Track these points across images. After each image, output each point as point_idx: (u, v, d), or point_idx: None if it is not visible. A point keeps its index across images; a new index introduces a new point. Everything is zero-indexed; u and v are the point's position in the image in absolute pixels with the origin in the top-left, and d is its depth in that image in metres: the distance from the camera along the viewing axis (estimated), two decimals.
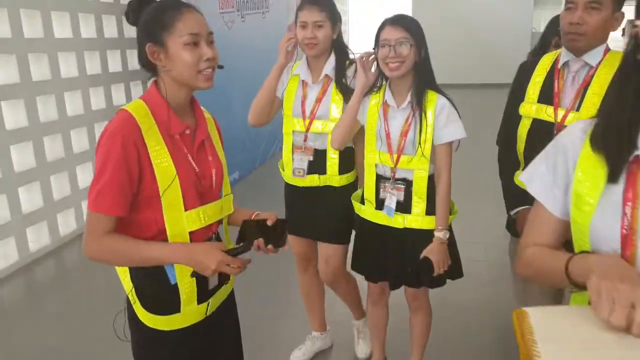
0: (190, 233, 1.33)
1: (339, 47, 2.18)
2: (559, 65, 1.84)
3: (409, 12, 9.65)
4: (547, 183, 1.08)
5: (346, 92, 2.11)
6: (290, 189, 2.34)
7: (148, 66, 1.32)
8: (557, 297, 1.96)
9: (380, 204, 2.01)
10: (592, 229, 0.96)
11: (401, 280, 2.10)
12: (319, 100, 2.16)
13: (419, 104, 1.91)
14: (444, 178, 1.95)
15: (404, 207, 1.98)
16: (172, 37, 1.25)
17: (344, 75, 2.14)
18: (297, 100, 2.20)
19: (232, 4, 4.99)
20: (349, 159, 2.23)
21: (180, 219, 1.31)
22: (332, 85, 2.14)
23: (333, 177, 2.21)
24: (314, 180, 2.23)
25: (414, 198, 1.97)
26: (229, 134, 2.91)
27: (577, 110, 1.76)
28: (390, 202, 1.99)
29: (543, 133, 1.84)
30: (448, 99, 1.94)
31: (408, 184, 1.97)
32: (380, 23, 1.93)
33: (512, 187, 1.99)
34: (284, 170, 2.34)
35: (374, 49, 1.94)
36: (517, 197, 1.96)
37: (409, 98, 1.93)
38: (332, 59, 2.15)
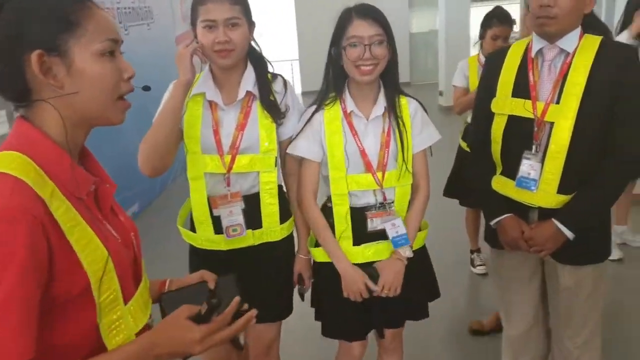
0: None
1: (256, 54, 1.69)
2: (532, 54, 1.65)
3: (291, 12, 9.49)
4: None
5: (276, 113, 1.66)
6: (202, 257, 1.72)
7: (21, 90, 0.84)
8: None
9: (364, 237, 1.68)
10: None
11: (386, 321, 1.77)
12: (240, 127, 1.63)
13: (394, 111, 1.64)
14: (423, 189, 1.73)
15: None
16: (79, 42, 0.83)
17: (270, 90, 1.67)
18: (205, 130, 1.62)
19: (113, 14, 4.38)
20: (286, 201, 1.78)
21: (125, 318, 0.86)
22: (257, 105, 1.65)
23: (272, 230, 1.70)
24: (246, 239, 1.68)
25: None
26: (123, 162, 2.36)
27: (557, 102, 1.58)
28: (397, 230, 1.67)
29: (522, 131, 1.65)
30: (416, 99, 1.71)
31: (393, 204, 1.69)
32: (341, 14, 1.60)
33: (490, 194, 1.76)
34: (193, 231, 1.71)
35: (332, 48, 1.61)
36: (498, 205, 1.74)
37: (381, 105, 1.64)
38: (250, 70, 1.65)
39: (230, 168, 1.63)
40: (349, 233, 1.66)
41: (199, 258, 1.74)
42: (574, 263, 1.70)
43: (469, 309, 2.89)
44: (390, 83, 1.66)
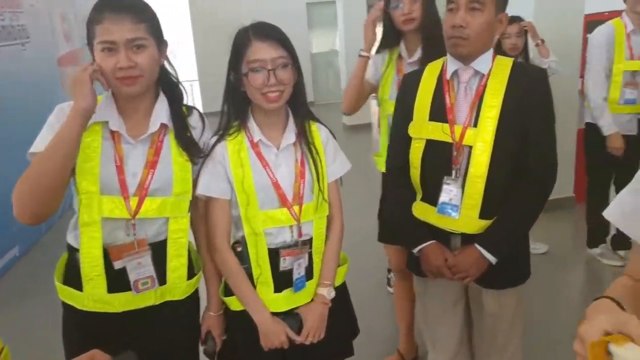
0: None
1: (168, 80, 1.45)
2: (447, 76, 1.59)
3: (188, 30, 9.16)
4: None
5: (194, 151, 1.44)
6: (83, 323, 1.41)
7: None
8: None
9: (283, 282, 1.51)
10: None
11: None
12: (150, 164, 1.38)
13: (305, 138, 1.52)
14: (337, 222, 1.62)
15: (308, 273, 1.56)
16: None
17: (186, 124, 1.45)
18: (106, 166, 1.35)
19: None
20: (193, 252, 1.57)
21: None
22: (169, 140, 1.42)
23: (177, 287, 1.46)
24: (146, 298, 1.42)
25: (315, 256, 1.56)
26: None
27: (475, 125, 1.53)
28: (300, 271, 1.52)
29: (441, 155, 1.59)
30: (325, 126, 1.60)
31: (310, 243, 1.55)
32: (236, 35, 1.43)
33: (412, 221, 1.68)
34: (79, 290, 1.38)
35: (230, 73, 1.45)
36: (420, 232, 1.66)
37: (291, 132, 1.50)
38: (162, 98, 1.43)
39: (136, 212, 1.37)
40: (268, 278, 1.49)
41: (79, 324, 1.43)
42: (498, 287, 1.66)
43: (392, 337, 2.79)
44: (299, 108, 1.53)
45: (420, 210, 1.66)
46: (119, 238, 1.38)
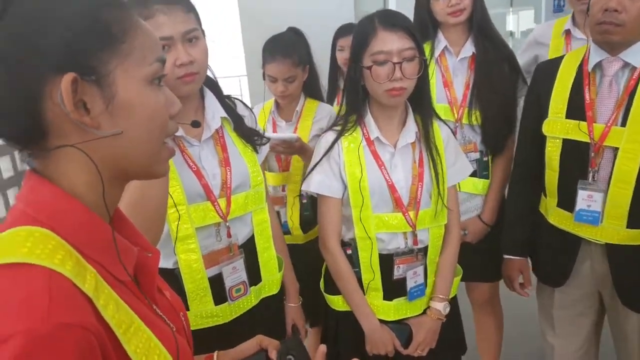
0: None
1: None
2: (589, 68, 1.42)
3: (236, 23, 9.15)
4: None
5: (254, 138, 1.37)
6: (196, 337, 1.26)
7: (35, 132, 0.57)
8: None
9: (394, 290, 1.43)
10: None
11: None
12: (225, 162, 1.28)
13: (427, 138, 1.40)
14: (455, 230, 1.50)
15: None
16: (124, 65, 0.59)
17: (240, 116, 1.37)
18: (184, 175, 1.22)
19: None
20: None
21: None
22: (228, 134, 1.33)
23: (271, 280, 1.40)
24: (248, 300, 1.34)
25: (430, 266, 1.46)
26: None
27: (623, 125, 1.36)
28: (416, 279, 1.44)
29: (577, 156, 1.45)
30: (445, 123, 1.48)
31: (424, 252, 1.44)
32: (360, 23, 1.35)
33: (522, 223, 1.63)
34: None
35: (351, 65, 1.36)
36: (522, 240, 1.65)
37: (411, 131, 1.39)
38: (209, 93, 1.32)
39: (227, 214, 1.28)
40: (378, 284, 1.41)
41: None
42: None
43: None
44: (423, 105, 1.41)
45: (557, 217, 1.52)
46: (210, 244, 1.29)
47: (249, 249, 1.34)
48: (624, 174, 1.37)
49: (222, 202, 1.26)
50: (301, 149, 1.76)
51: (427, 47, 1.74)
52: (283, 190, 1.91)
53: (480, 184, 1.78)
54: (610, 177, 1.39)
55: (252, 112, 1.45)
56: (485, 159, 1.78)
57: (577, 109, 1.43)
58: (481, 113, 1.71)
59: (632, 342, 1.52)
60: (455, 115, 1.74)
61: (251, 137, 1.35)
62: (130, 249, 0.65)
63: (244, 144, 1.34)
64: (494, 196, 1.78)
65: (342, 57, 2.29)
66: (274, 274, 1.40)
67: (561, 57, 1.53)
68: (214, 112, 1.29)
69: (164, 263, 1.23)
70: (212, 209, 1.25)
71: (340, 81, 2.32)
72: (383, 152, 1.39)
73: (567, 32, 2.00)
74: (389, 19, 1.31)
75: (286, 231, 1.87)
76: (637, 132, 1.35)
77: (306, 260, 1.65)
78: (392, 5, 8.05)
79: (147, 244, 0.70)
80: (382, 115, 1.39)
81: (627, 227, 1.40)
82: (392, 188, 1.37)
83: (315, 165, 1.41)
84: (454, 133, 1.71)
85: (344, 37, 2.29)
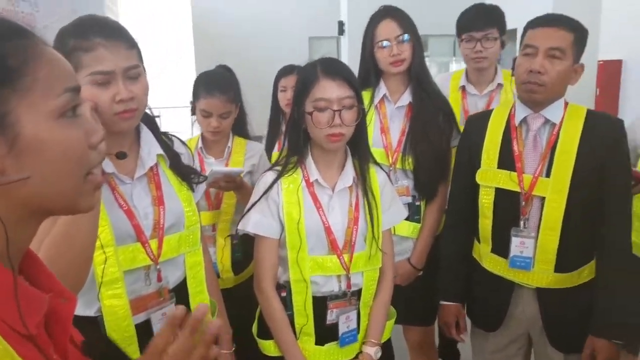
0: None
1: None
2: (516, 122, 1.54)
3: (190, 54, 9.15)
4: None
5: (191, 176, 1.34)
6: None
7: None
8: None
9: (326, 335, 1.42)
10: None
11: None
12: (158, 200, 1.25)
13: (364, 182, 1.44)
14: (389, 273, 1.52)
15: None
16: (26, 100, 0.55)
17: (175, 151, 1.34)
18: (113, 214, 1.17)
19: None
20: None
21: None
22: (163, 171, 1.29)
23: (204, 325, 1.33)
24: None
25: (363, 310, 1.46)
26: None
27: (547, 176, 1.48)
28: (349, 325, 1.43)
29: (509, 205, 1.53)
30: (382, 168, 1.53)
31: (358, 295, 1.45)
32: (304, 69, 1.43)
33: (458, 268, 1.69)
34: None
35: (294, 108, 1.41)
36: (456, 288, 1.70)
37: (349, 174, 1.43)
38: (145, 129, 1.30)
39: (159, 255, 1.23)
40: (311, 329, 1.40)
41: None
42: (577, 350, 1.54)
43: None
44: (360, 150, 1.46)
45: (492, 263, 1.59)
46: (139, 289, 1.23)
47: (180, 293, 1.30)
48: (551, 222, 1.46)
49: (153, 244, 1.22)
50: (241, 185, 1.76)
51: (368, 94, 1.83)
52: (213, 230, 1.87)
53: (411, 228, 1.83)
54: (539, 225, 1.48)
55: (189, 149, 1.44)
56: (417, 203, 1.84)
57: (507, 160, 1.53)
58: (414, 159, 1.79)
59: None
60: (390, 159, 1.81)
61: (188, 175, 1.33)
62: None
63: (179, 182, 1.31)
64: (424, 241, 1.83)
65: (285, 97, 2.31)
66: (207, 319, 1.36)
67: (491, 111, 1.65)
68: (150, 149, 1.26)
69: (86, 310, 1.16)
70: (142, 251, 1.20)
71: (283, 124, 2.33)
72: (322, 195, 1.41)
73: (463, 88, 2.16)
74: (331, 68, 1.35)
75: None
76: (560, 182, 1.45)
77: (239, 304, 1.61)
78: (344, 51, 8.33)
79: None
80: (323, 158, 1.42)
81: (555, 272, 1.49)
82: (328, 230, 1.39)
83: (253, 205, 1.40)
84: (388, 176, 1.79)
85: (285, 78, 2.33)
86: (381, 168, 1.53)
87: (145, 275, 1.24)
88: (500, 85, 2.14)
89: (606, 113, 1.62)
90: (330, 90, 1.33)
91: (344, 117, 1.33)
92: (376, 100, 1.85)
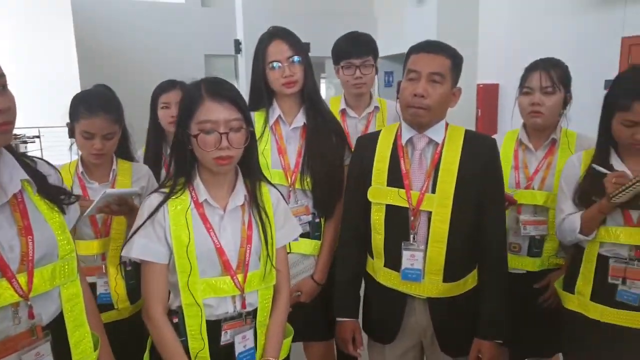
0: None
1: None
2: (403, 142, 1.63)
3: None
4: None
5: (61, 198, 1.27)
6: None
7: None
8: None
9: (222, 357, 1.39)
10: None
11: None
12: (25, 231, 1.16)
13: (255, 200, 1.43)
14: (284, 291, 1.52)
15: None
16: None
17: (40, 173, 1.26)
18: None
19: None
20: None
21: None
22: (29, 197, 1.21)
23: None
24: None
25: (259, 329, 1.45)
26: None
27: (433, 192, 1.58)
28: (245, 344, 1.40)
29: (399, 220, 1.62)
30: (274, 187, 1.53)
31: (253, 315, 1.43)
32: (188, 89, 1.39)
33: (351, 287, 1.75)
34: None
35: (179, 129, 1.38)
36: (352, 304, 1.75)
37: (240, 194, 1.41)
38: (4, 152, 1.20)
39: (29, 291, 1.13)
40: (206, 353, 1.36)
41: None
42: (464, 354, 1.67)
43: None
44: (251, 170, 1.45)
45: (385, 277, 1.65)
46: (6, 329, 1.12)
47: (56, 329, 1.20)
48: (437, 234, 1.56)
49: (21, 278, 1.12)
50: (133, 208, 1.66)
51: (262, 115, 1.83)
52: (103, 259, 1.76)
53: (312, 245, 1.86)
54: (427, 238, 1.57)
55: (57, 170, 1.34)
56: (317, 220, 1.88)
57: (396, 178, 1.61)
58: (312, 179, 1.82)
59: None
60: (289, 180, 1.83)
61: (57, 197, 1.23)
62: None
63: (49, 208, 1.21)
64: (325, 256, 1.87)
65: (168, 115, 2.19)
66: (88, 354, 1.27)
67: (379, 132, 1.72)
68: (12, 174, 1.15)
69: None
70: (8, 287, 1.09)
71: (165, 145, 2.24)
72: (212, 215, 1.38)
73: (343, 111, 2.26)
74: (216, 89, 1.32)
75: (109, 306, 1.74)
76: (444, 197, 1.55)
77: (138, 334, 1.53)
78: (241, 69, 8.30)
79: None
80: (211, 178, 1.38)
81: (443, 282, 1.58)
82: (220, 251, 1.36)
83: (137, 229, 1.33)
84: (288, 197, 1.80)
85: (167, 94, 2.20)
86: (275, 188, 1.52)
87: (14, 313, 1.12)
88: (376, 108, 2.26)
89: (481, 133, 1.76)
90: (216, 112, 1.30)
91: (231, 139, 1.31)
92: (271, 122, 1.85)
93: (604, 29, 5.27)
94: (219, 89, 1.33)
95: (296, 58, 1.78)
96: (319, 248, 1.88)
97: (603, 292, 1.59)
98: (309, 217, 1.86)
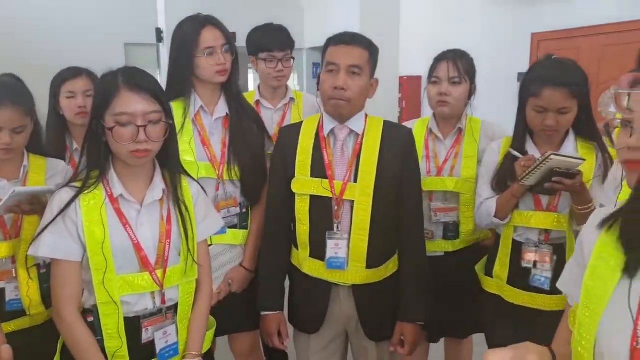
0: None
1: None
2: (325, 133, 1.65)
3: None
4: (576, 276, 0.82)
5: None
6: None
7: None
8: None
9: (143, 355, 1.35)
10: (598, 334, 0.75)
11: None
12: None
13: (174, 194, 1.39)
14: (206, 285, 1.50)
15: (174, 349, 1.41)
16: None
17: None
18: None
19: None
20: None
21: None
22: None
23: None
24: None
25: (181, 323, 1.42)
26: None
27: (355, 181, 1.61)
28: (167, 340, 1.38)
29: (323, 210, 1.64)
30: (194, 180, 1.51)
31: (174, 310, 1.41)
32: (103, 78, 1.33)
33: (276, 281, 1.75)
34: None
35: (93, 120, 1.31)
36: (276, 297, 1.75)
37: (158, 187, 1.37)
38: None
39: None
40: (125, 351, 1.32)
41: None
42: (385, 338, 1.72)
43: None
44: (170, 162, 1.40)
45: (311, 267, 1.66)
46: None
47: None
48: (360, 223, 1.59)
49: None
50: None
51: (180, 105, 1.76)
52: (13, 262, 1.64)
53: (240, 235, 1.85)
54: (350, 226, 1.60)
55: None
56: (244, 211, 1.87)
57: (319, 169, 1.62)
58: (239, 169, 1.80)
59: None
60: (217, 172, 1.80)
61: None
62: None
63: None
64: (253, 243, 1.86)
65: (74, 105, 2.04)
66: None
67: (301, 122, 1.73)
68: None
69: None
70: None
71: (69, 138, 2.11)
72: (128, 210, 1.33)
73: (257, 102, 2.26)
74: (134, 80, 1.27)
75: (21, 312, 1.62)
76: (366, 187, 1.59)
77: (52, 342, 1.44)
78: (164, 59, 7.99)
79: None
80: (127, 172, 1.33)
81: (366, 268, 1.62)
82: (137, 247, 1.32)
83: (47, 226, 1.26)
84: (217, 189, 1.78)
85: (72, 81, 2.05)
86: (195, 180, 1.49)
87: None
88: (292, 100, 2.28)
89: (398, 123, 1.82)
90: (134, 104, 1.25)
91: (150, 133, 1.26)
92: (193, 113, 1.80)
93: (517, 25, 5.60)
94: (137, 80, 1.28)
95: (228, 47, 1.76)
96: (246, 237, 1.87)
97: (518, 276, 1.70)
98: (237, 209, 1.85)
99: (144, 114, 1.25)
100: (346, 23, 5.52)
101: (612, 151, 1.64)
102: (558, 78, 1.57)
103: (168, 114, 1.32)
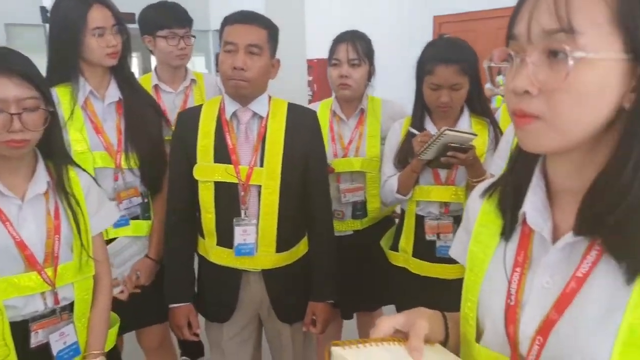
0: None
1: None
2: (227, 116, 1.60)
3: None
4: (464, 244, 0.84)
5: None
6: None
7: None
8: None
9: (35, 359, 1.27)
10: (480, 295, 0.79)
11: None
12: None
13: (61, 186, 1.30)
14: (106, 280, 1.43)
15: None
16: None
17: None
18: None
19: None
20: None
21: None
22: None
23: None
24: None
25: (78, 322, 1.34)
26: None
27: (261, 165, 1.58)
28: (65, 340, 1.30)
29: (229, 197, 1.60)
30: (84, 170, 1.42)
31: (70, 309, 1.33)
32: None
33: (185, 271, 1.69)
34: None
35: None
36: (185, 289, 1.70)
37: (42, 180, 1.28)
38: None
39: None
40: (14, 358, 1.23)
41: None
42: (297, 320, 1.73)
43: None
44: (53, 152, 1.31)
45: (218, 255, 1.62)
46: None
47: None
48: (268, 207, 1.57)
49: None
50: None
51: (66, 91, 1.64)
52: None
53: (143, 225, 1.78)
54: (258, 211, 1.58)
55: None
56: (145, 201, 1.79)
57: (223, 154, 1.57)
58: (138, 156, 1.72)
59: (287, 351, 1.74)
60: (114, 161, 1.70)
61: None
62: None
63: None
64: (158, 233, 1.79)
65: None
66: None
67: (201, 106, 1.66)
68: None
69: None
70: None
71: None
72: (7, 206, 1.23)
73: (156, 87, 2.15)
74: (5, 62, 1.14)
75: None
76: (272, 170, 1.56)
77: None
78: None
79: None
80: (4, 164, 1.22)
81: (276, 252, 1.60)
82: (21, 245, 1.22)
83: None
84: (115, 179, 1.69)
85: None
86: (85, 171, 1.39)
87: None
88: (193, 81, 2.20)
89: (302, 105, 1.80)
90: (4, 89, 1.14)
91: (25, 121, 1.15)
92: (82, 99, 1.67)
93: (420, 8, 5.80)
94: (8, 62, 1.15)
95: (118, 27, 1.65)
96: (150, 228, 1.79)
97: (423, 249, 1.77)
98: (139, 199, 1.76)
99: (17, 100, 1.14)
100: (251, 5, 5.39)
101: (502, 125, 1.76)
102: (450, 55, 1.64)
103: (48, 100, 1.22)
